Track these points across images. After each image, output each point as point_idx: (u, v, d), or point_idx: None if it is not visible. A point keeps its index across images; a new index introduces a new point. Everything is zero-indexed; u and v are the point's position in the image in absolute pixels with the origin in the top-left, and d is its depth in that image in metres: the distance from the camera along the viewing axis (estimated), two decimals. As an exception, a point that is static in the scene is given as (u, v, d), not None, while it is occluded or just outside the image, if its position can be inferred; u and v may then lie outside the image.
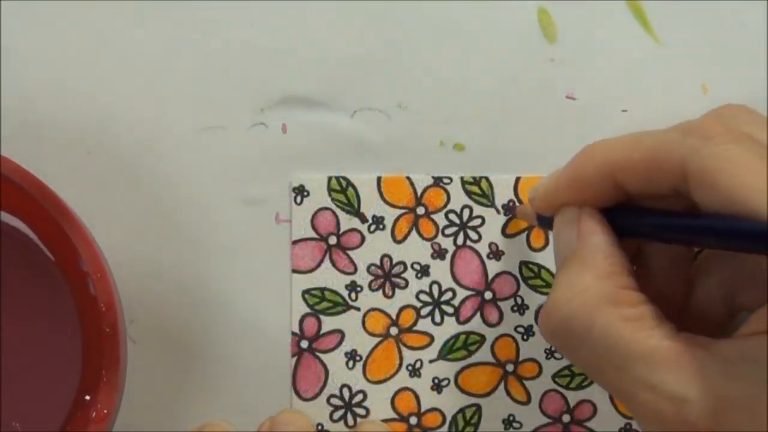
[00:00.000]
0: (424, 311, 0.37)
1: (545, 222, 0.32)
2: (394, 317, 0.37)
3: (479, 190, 0.37)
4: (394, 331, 0.37)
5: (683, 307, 0.31)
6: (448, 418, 0.37)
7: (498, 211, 0.37)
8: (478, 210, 0.37)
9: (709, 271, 0.30)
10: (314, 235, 0.37)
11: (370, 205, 0.37)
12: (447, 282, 0.37)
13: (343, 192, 0.37)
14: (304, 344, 0.37)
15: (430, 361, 0.37)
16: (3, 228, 0.35)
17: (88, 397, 0.34)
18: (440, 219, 0.37)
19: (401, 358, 0.37)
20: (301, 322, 0.37)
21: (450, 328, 0.37)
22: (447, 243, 0.37)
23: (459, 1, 0.37)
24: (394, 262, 0.37)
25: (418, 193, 0.37)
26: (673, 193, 0.27)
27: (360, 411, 0.37)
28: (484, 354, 0.37)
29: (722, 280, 0.30)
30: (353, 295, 0.37)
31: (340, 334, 0.37)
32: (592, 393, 0.37)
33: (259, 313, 0.37)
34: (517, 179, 0.37)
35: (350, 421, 0.37)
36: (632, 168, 0.27)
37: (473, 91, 0.37)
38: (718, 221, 0.25)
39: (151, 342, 0.37)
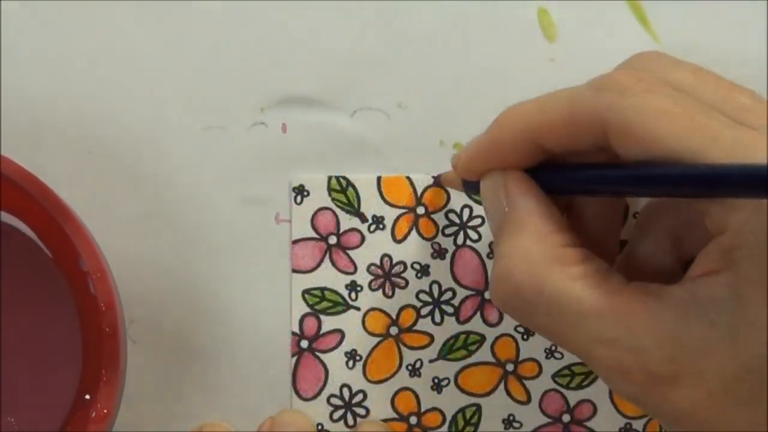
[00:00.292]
0: (424, 311, 0.37)
1: (471, 187, 0.31)
2: (394, 317, 0.37)
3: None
4: (394, 330, 0.37)
5: (630, 261, 0.31)
6: (448, 418, 0.37)
7: (498, 211, 0.37)
8: (478, 210, 0.37)
9: (652, 223, 0.31)
10: (314, 235, 0.37)
11: (370, 205, 0.37)
12: (447, 282, 0.37)
13: (343, 192, 0.37)
14: (304, 344, 0.37)
15: (430, 361, 0.37)
16: (3, 228, 0.35)
17: (88, 397, 0.34)
18: (440, 219, 0.37)
19: (401, 358, 0.37)
20: (301, 321, 0.37)
21: (450, 327, 0.37)
22: (447, 243, 0.37)
23: (459, 1, 0.37)
24: (394, 261, 0.37)
25: (418, 193, 0.37)
26: (595, 149, 0.27)
27: (360, 411, 0.37)
28: (484, 354, 0.37)
29: (666, 231, 0.30)
30: (353, 295, 0.37)
31: (340, 333, 0.37)
32: (592, 393, 0.37)
33: (259, 313, 0.37)
34: (517, 179, 0.37)
35: (350, 421, 0.37)
36: (550, 129, 0.27)
37: (473, 91, 0.37)
38: (645, 170, 0.25)
39: (151, 342, 0.37)
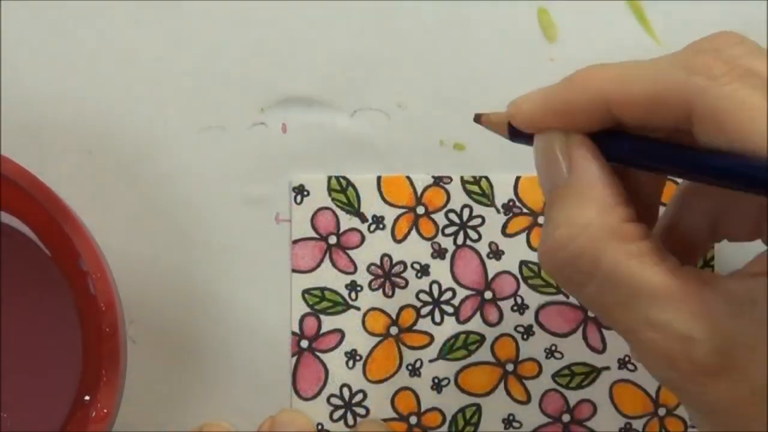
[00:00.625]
0: (424, 311, 0.37)
1: (519, 137, 0.30)
2: (394, 317, 0.37)
3: (479, 189, 0.37)
4: (394, 330, 0.37)
5: (665, 233, 0.31)
6: (448, 418, 0.37)
7: (498, 211, 0.37)
8: (478, 209, 0.37)
9: (693, 200, 0.30)
10: (314, 235, 0.37)
11: (370, 205, 0.37)
12: (447, 282, 0.37)
13: (343, 192, 0.37)
14: (304, 344, 0.37)
15: (430, 361, 0.37)
16: (3, 228, 0.35)
17: (88, 397, 0.34)
18: (440, 218, 0.37)
19: (401, 358, 0.37)
20: (301, 321, 0.37)
21: (450, 327, 0.37)
22: (447, 243, 0.37)
23: (459, 1, 0.37)
24: (394, 261, 0.37)
25: (418, 193, 0.37)
26: (672, 129, 0.26)
27: (360, 411, 0.37)
28: (484, 354, 0.37)
29: (705, 211, 0.30)
30: (353, 295, 0.37)
31: (340, 333, 0.37)
32: (592, 393, 0.37)
33: (259, 313, 0.37)
34: (517, 179, 0.37)
35: (350, 421, 0.37)
36: (630, 102, 0.27)
37: (473, 91, 0.37)
38: (726, 160, 0.25)
39: (151, 342, 0.37)
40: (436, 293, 0.37)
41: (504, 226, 0.37)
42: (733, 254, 0.36)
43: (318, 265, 0.37)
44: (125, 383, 0.33)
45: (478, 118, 0.32)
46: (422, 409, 0.37)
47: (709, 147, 0.25)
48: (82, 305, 0.35)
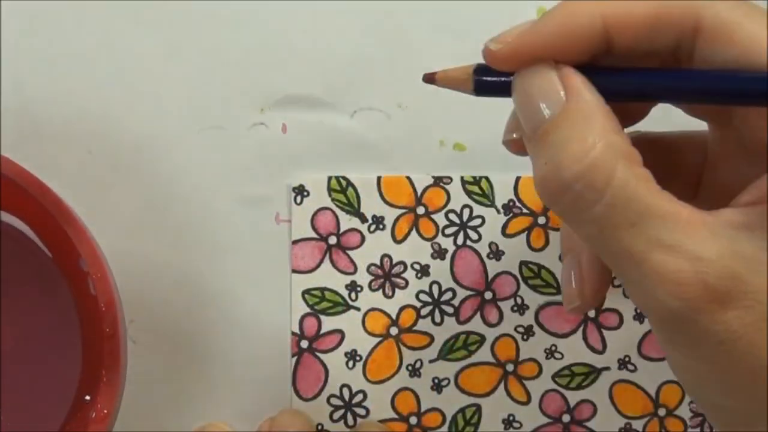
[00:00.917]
0: (424, 311, 0.37)
1: (488, 87, 0.28)
2: (394, 317, 0.37)
3: (479, 189, 0.37)
4: (394, 331, 0.37)
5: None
6: (448, 418, 0.37)
7: (498, 211, 0.37)
8: (478, 210, 0.37)
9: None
10: (314, 235, 0.37)
11: (370, 205, 0.37)
12: (447, 282, 0.37)
13: (343, 192, 0.37)
14: (304, 344, 0.37)
15: (430, 361, 0.37)
16: (3, 228, 0.35)
17: (88, 397, 0.34)
18: (440, 219, 0.37)
19: (401, 358, 0.37)
20: (301, 322, 0.37)
21: (450, 328, 0.37)
22: (447, 243, 0.37)
23: (459, 1, 0.37)
24: (394, 262, 0.37)
25: (418, 193, 0.37)
26: (669, 50, 0.26)
27: (360, 411, 0.37)
28: (484, 354, 0.37)
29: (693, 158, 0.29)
30: (353, 295, 0.37)
31: (340, 334, 0.37)
32: (592, 393, 0.37)
33: (259, 313, 0.37)
34: (517, 179, 0.37)
35: (350, 421, 0.37)
36: (632, 21, 0.26)
37: (473, 91, 0.37)
38: (745, 75, 0.24)
39: (151, 342, 0.37)
40: (436, 293, 0.37)
41: (504, 227, 0.37)
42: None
43: (318, 266, 0.37)
44: (125, 383, 0.33)
45: (431, 78, 0.29)
46: (422, 410, 0.37)
47: (711, 64, 0.25)
48: (82, 305, 0.35)
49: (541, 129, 0.26)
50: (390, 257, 0.37)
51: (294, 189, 0.37)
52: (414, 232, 0.37)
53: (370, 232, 0.37)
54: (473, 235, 0.37)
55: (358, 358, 0.37)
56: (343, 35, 0.37)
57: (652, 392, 0.37)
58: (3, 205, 0.35)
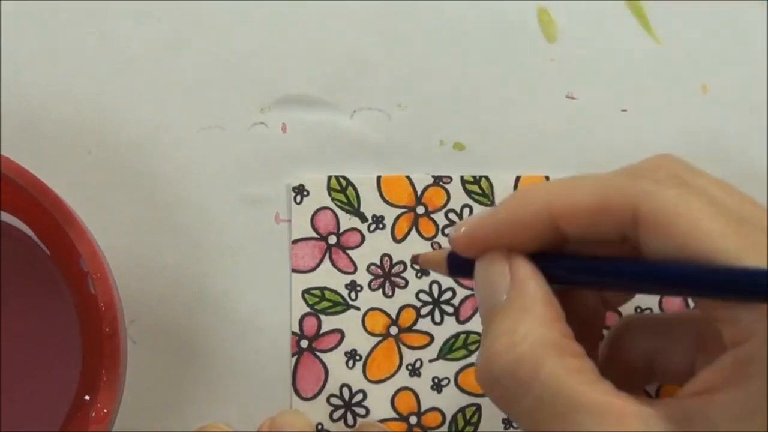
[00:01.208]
0: (424, 311, 0.37)
1: (459, 269, 0.30)
2: (394, 317, 0.37)
3: (479, 189, 0.37)
4: (394, 330, 0.37)
5: (606, 364, 0.31)
6: (448, 418, 0.37)
7: (498, 211, 0.37)
8: (478, 209, 0.37)
9: (627, 338, 0.31)
10: (314, 235, 0.37)
11: (370, 205, 0.37)
12: (447, 281, 0.37)
13: (343, 191, 0.37)
14: (304, 344, 0.37)
15: (430, 361, 0.37)
16: (3, 228, 0.35)
17: (88, 397, 0.34)
18: (440, 218, 0.37)
19: (401, 358, 0.37)
20: (301, 321, 0.37)
21: (450, 327, 0.37)
22: (447, 242, 0.37)
23: (459, 1, 0.37)
24: (394, 261, 0.37)
25: (418, 193, 0.37)
26: (616, 239, 0.26)
27: (360, 411, 0.37)
28: (484, 354, 0.37)
29: (642, 349, 0.31)
30: (353, 295, 0.37)
31: (340, 333, 0.37)
32: (592, 393, 0.37)
33: (259, 312, 0.37)
34: (517, 179, 0.37)
35: (350, 421, 0.37)
36: (576, 212, 0.27)
37: (473, 91, 0.37)
38: (685, 267, 0.24)
39: (151, 342, 0.37)
40: (436, 293, 0.37)
41: (504, 226, 0.37)
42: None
43: (318, 265, 0.37)
44: (125, 383, 0.33)
45: (415, 260, 0.32)
46: (422, 409, 0.37)
47: (654, 254, 0.25)
48: (82, 305, 0.35)
49: (487, 317, 0.28)
50: (390, 257, 0.37)
51: (294, 189, 0.37)
52: (414, 231, 0.37)
53: (370, 231, 0.37)
54: (473, 235, 0.37)
55: (358, 357, 0.37)
56: (344, 35, 0.37)
57: (652, 392, 0.37)
58: (3, 205, 0.35)
